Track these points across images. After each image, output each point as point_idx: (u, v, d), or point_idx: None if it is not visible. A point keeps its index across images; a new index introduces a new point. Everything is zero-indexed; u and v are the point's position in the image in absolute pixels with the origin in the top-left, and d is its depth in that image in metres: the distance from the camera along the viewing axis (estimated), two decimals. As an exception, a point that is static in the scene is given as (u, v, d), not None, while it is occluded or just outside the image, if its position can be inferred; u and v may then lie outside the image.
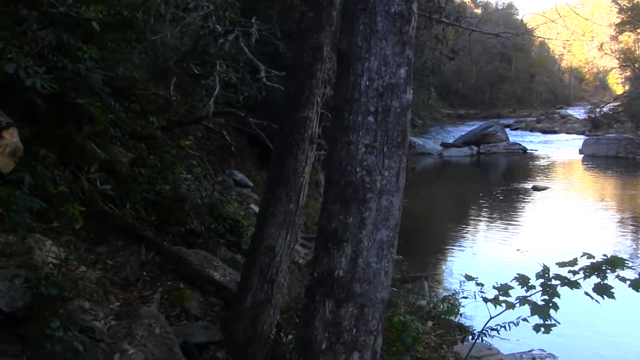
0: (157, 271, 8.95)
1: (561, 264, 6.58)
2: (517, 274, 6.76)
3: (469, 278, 7.36)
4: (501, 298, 6.71)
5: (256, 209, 16.39)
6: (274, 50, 17.23)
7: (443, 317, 12.04)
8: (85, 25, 8.88)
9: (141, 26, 10.80)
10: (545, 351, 11.63)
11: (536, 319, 6.51)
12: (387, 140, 4.30)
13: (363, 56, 4.30)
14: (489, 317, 7.06)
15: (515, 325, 7.82)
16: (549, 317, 6.37)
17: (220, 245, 11.09)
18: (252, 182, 20.69)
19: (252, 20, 12.85)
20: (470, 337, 11.62)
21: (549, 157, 46.32)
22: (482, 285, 7.11)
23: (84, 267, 7.30)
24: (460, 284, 11.74)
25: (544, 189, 31.88)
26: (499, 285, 6.80)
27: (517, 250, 19.98)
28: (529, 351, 11.65)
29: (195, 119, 13.65)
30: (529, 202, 29.74)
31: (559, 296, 6.43)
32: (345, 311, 4.34)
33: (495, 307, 6.76)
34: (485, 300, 6.76)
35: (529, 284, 6.61)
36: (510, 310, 6.82)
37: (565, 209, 27.45)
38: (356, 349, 4.37)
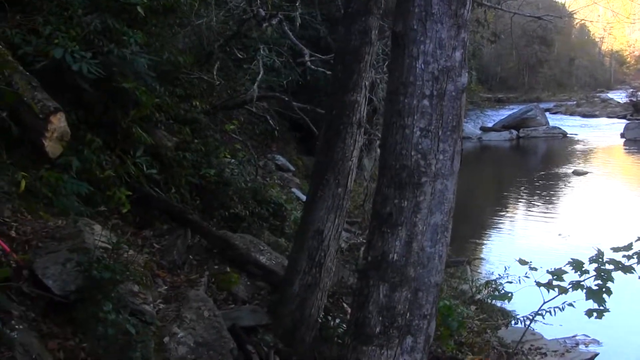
0: (204, 255, 8.97)
1: (615, 249, 6.52)
2: (571, 258, 6.70)
3: (522, 262, 7.27)
4: (554, 283, 6.65)
5: (298, 193, 16.44)
6: (316, 35, 17.26)
7: (493, 301, 11.99)
8: (130, 10, 8.99)
9: (185, 10, 10.86)
10: (589, 337, 11.55)
11: (587, 304, 6.46)
12: (442, 123, 4.28)
13: (418, 39, 4.27)
14: (543, 302, 7.00)
15: (561, 311, 7.76)
16: (604, 302, 6.32)
17: (264, 229, 11.10)
18: (294, 167, 20.69)
19: (296, 5, 12.87)
20: (513, 322, 11.56)
21: (589, 142, 45.69)
22: (535, 269, 7.03)
23: (132, 251, 7.35)
24: (505, 269, 11.61)
25: (585, 173, 31.55)
26: (552, 270, 6.74)
27: (559, 235, 19.83)
28: (573, 336, 11.59)
29: (238, 103, 13.72)
30: (569, 186, 29.46)
31: (612, 281, 6.38)
32: (399, 295, 4.34)
33: (549, 291, 6.70)
34: (539, 284, 6.71)
35: (583, 269, 6.56)
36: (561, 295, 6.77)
37: (607, 194, 27.13)
38: (410, 333, 4.37)
